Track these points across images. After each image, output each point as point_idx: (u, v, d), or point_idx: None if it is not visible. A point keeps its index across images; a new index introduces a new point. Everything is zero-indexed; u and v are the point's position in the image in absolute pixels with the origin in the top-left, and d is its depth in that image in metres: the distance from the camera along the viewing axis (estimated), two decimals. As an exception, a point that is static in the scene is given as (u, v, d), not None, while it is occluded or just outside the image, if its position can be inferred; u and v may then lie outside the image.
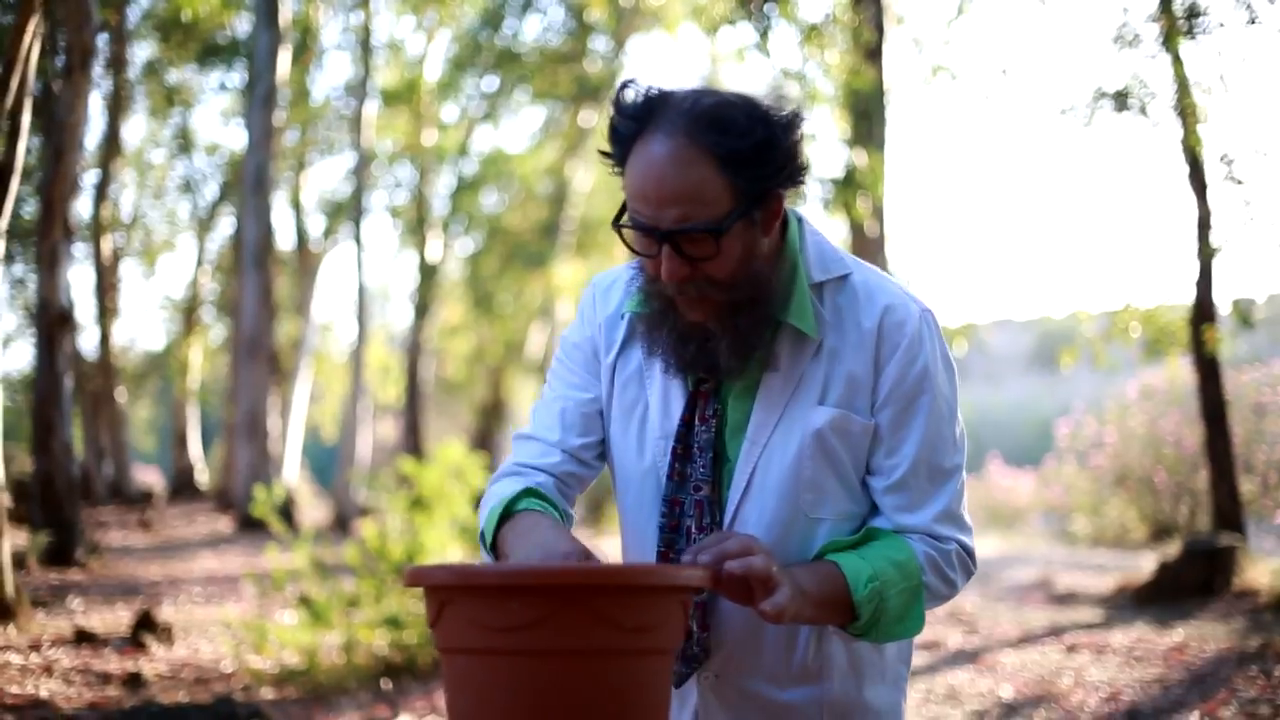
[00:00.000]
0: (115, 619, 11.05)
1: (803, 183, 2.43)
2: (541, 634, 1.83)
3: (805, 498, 2.44)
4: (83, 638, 9.76)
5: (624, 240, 2.40)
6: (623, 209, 2.39)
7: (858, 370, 2.46)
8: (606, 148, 2.42)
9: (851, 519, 2.49)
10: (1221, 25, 15.31)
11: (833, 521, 2.46)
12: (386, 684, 8.91)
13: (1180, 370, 20.29)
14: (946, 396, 2.52)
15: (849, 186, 15.05)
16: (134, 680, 8.63)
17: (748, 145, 2.30)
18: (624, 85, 2.40)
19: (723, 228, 2.30)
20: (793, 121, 2.37)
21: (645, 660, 1.92)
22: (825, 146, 17.39)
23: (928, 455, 2.47)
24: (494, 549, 2.38)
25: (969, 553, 2.49)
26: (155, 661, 9.44)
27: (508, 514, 2.39)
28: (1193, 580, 13.75)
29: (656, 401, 2.54)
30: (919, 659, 10.57)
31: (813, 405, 2.45)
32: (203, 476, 28.46)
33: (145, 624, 10.12)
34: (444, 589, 1.91)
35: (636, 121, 2.35)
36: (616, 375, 2.61)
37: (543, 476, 2.54)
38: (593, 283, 2.75)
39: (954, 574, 2.45)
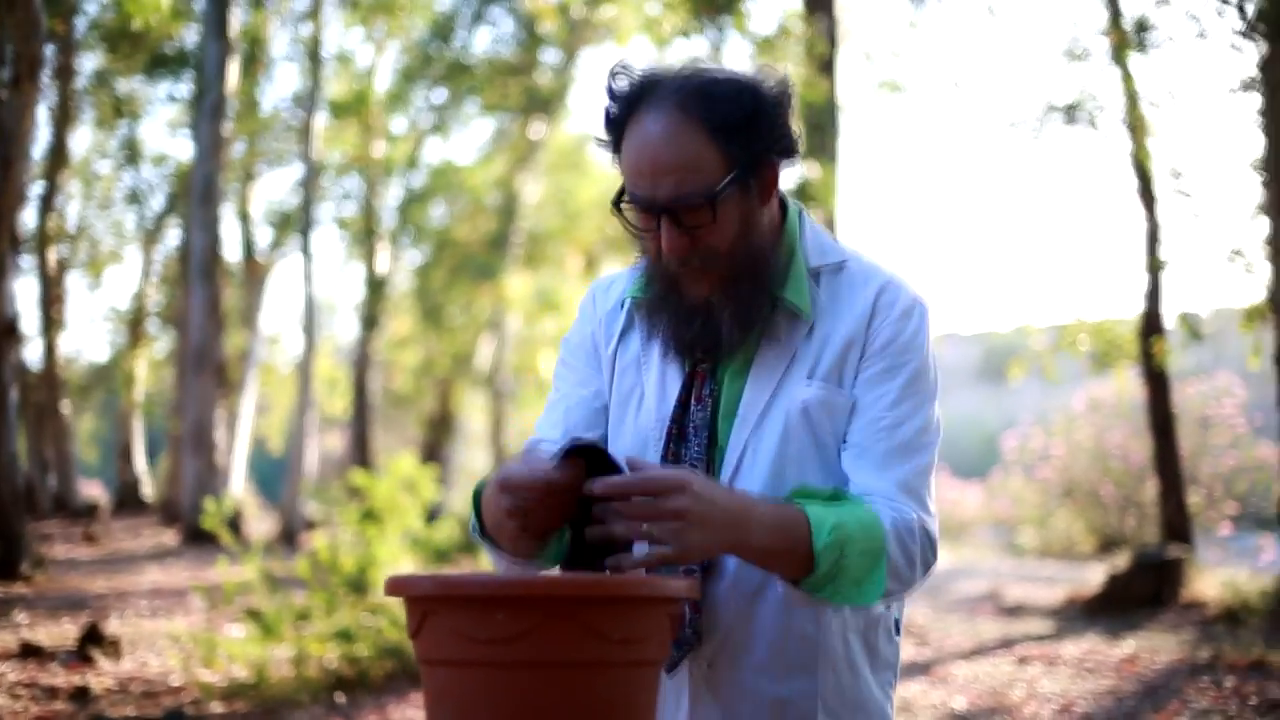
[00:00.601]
0: (61, 633, 10.93)
1: (795, 154, 2.50)
2: (527, 646, 1.79)
3: (791, 474, 2.44)
4: (29, 652, 9.66)
5: (625, 223, 2.46)
6: (621, 193, 2.44)
7: (849, 339, 2.50)
8: (602, 135, 2.49)
9: None
10: (1171, 39, 15.43)
11: None
12: (340, 697, 8.84)
13: (1127, 383, 20.41)
14: (929, 379, 2.53)
15: (801, 199, 15.07)
16: (81, 694, 8.54)
17: (737, 113, 2.38)
18: (615, 72, 2.46)
19: (717, 194, 2.35)
20: (781, 92, 2.45)
21: (633, 672, 1.89)
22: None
23: (900, 422, 2.47)
24: (481, 525, 2.39)
25: (930, 537, 2.43)
26: (103, 675, 9.34)
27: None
28: (1142, 592, 13.83)
29: (653, 386, 2.55)
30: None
31: (802, 381, 2.48)
32: (148, 489, 28.26)
33: (92, 637, 10.01)
34: (426, 599, 1.87)
35: (629, 103, 2.42)
36: (616, 363, 2.63)
37: None
38: (592, 285, 2.78)
39: (914, 548, 2.38)
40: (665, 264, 2.44)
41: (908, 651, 11.69)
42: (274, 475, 32.27)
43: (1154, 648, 11.31)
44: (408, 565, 9.99)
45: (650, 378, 2.57)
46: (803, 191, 15.11)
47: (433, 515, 12.48)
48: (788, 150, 2.49)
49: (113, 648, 10.06)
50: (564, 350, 2.75)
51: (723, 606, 2.44)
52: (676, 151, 2.35)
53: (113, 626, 11.28)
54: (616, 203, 2.44)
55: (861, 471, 2.45)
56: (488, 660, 1.81)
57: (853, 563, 2.28)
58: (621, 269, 2.75)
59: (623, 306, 2.67)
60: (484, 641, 1.80)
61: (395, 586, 1.91)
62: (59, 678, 9.10)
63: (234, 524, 18.52)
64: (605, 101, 2.47)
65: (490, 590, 1.83)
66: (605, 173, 30.17)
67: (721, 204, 2.38)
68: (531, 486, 2.14)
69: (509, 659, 1.80)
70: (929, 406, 2.53)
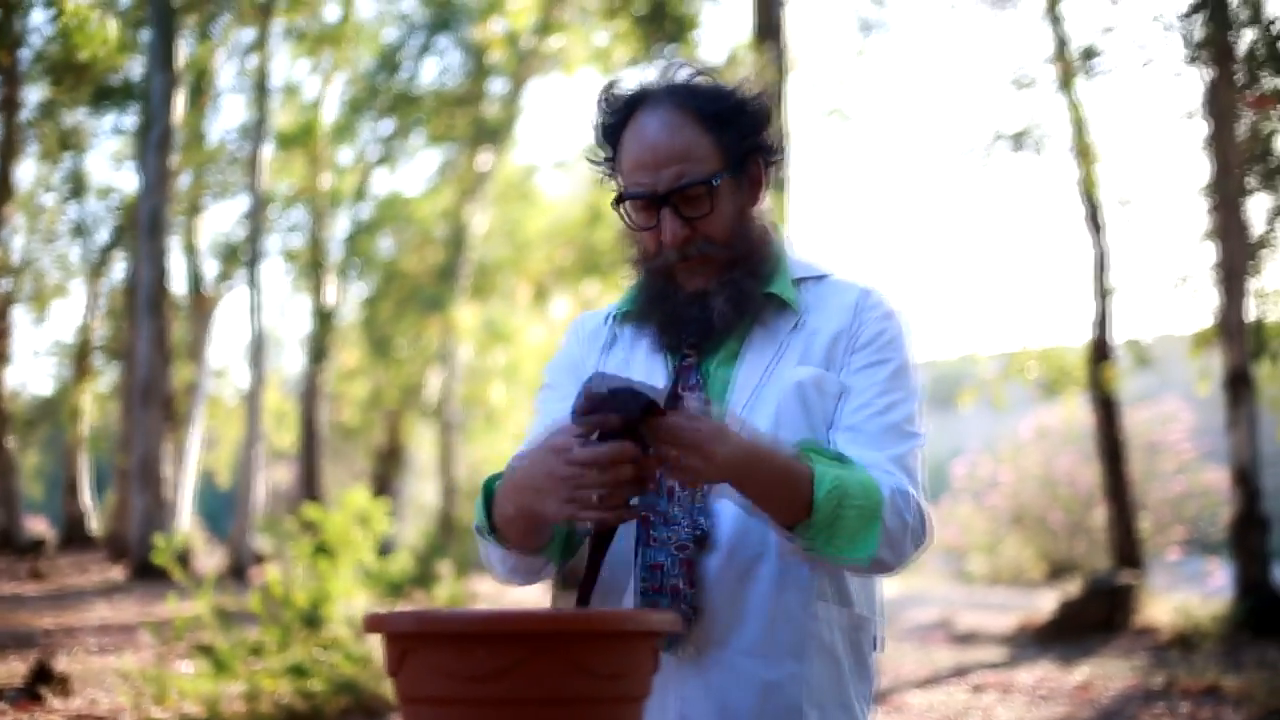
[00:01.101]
0: (8, 670, 10.78)
1: (779, 157, 2.70)
2: (511, 682, 1.75)
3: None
4: (-25, 690, 9.53)
5: (626, 221, 2.61)
6: (620, 197, 2.59)
7: (836, 333, 2.61)
8: (597, 153, 2.67)
9: None
10: (1117, 67, 15.57)
11: None
12: (295, 733, 8.77)
13: (1075, 409, 20.54)
14: (914, 377, 2.63)
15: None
16: (31, 733, 8.43)
17: (726, 106, 2.58)
18: (606, 90, 2.66)
19: (716, 180, 2.54)
20: (762, 95, 2.65)
21: (618, 708, 1.86)
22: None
23: (892, 406, 2.56)
24: (492, 524, 2.44)
25: (924, 513, 2.49)
26: (52, 714, 9.21)
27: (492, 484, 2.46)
28: (1094, 618, 13.89)
29: (640, 378, 2.54)
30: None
31: (793, 365, 2.57)
32: (94, 524, 27.99)
33: (42, 675, 9.87)
34: (406, 636, 1.84)
35: (626, 110, 2.61)
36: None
37: None
38: (573, 324, 2.87)
39: (908, 518, 2.43)
40: (665, 257, 2.57)
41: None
42: (221, 509, 31.98)
43: (1108, 674, 11.34)
44: (361, 599, 9.94)
45: (637, 373, 2.62)
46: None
47: (385, 549, 12.41)
48: (772, 151, 2.67)
49: (62, 685, 9.92)
50: (548, 375, 2.80)
51: (715, 583, 2.48)
52: (676, 141, 2.53)
53: (61, 664, 11.13)
54: (618, 203, 2.58)
55: (856, 447, 2.51)
56: (471, 698, 1.77)
57: (849, 518, 2.36)
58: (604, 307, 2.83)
59: (608, 322, 2.77)
60: (466, 678, 1.77)
61: (375, 623, 1.88)
62: (8, 716, 8.98)
63: (183, 559, 18.37)
64: (599, 118, 2.65)
65: (472, 626, 1.80)
66: (554, 203, 30.19)
67: (718, 194, 2.55)
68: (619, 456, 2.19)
69: (492, 696, 1.76)
70: (916, 400, 2.61)
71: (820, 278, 2.71)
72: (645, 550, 2.52)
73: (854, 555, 2.36)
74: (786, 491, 2.33)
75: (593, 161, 2.67)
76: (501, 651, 1.76)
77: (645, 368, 2.64)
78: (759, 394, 2.55)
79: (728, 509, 2.49)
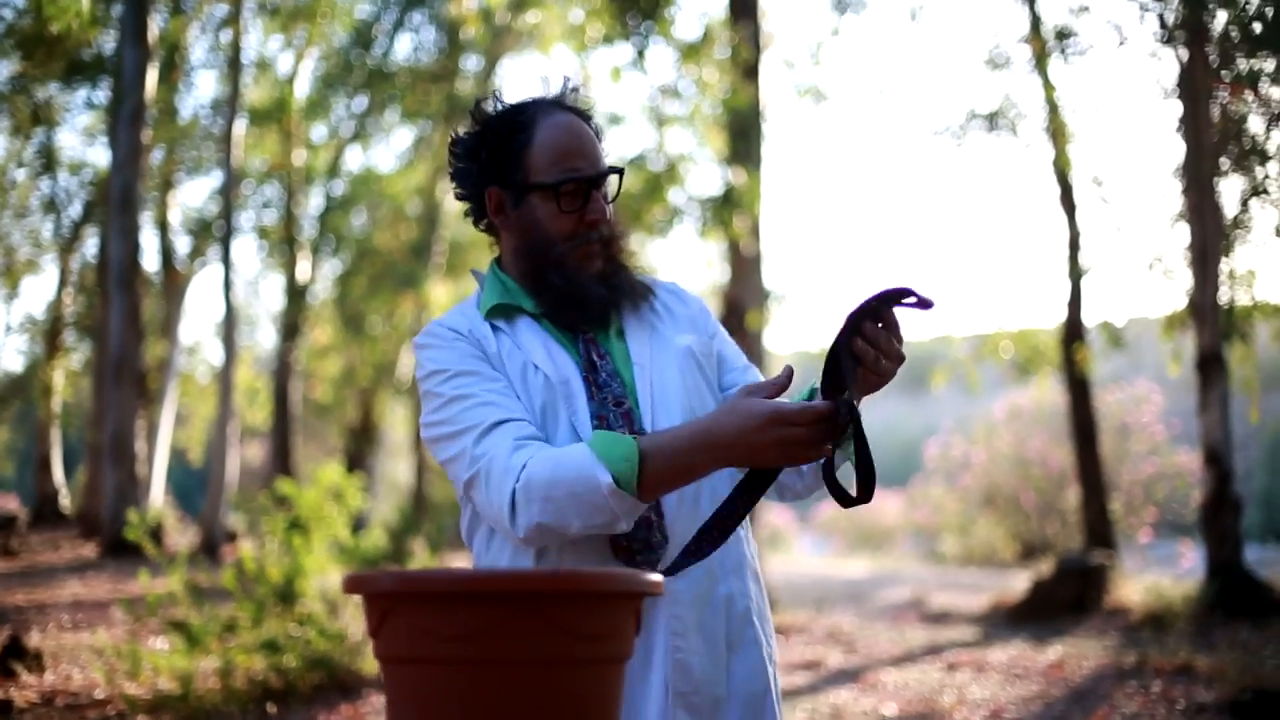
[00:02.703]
0: (-20, 646, 10.76)
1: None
2: (491, 642, 1.74)
3: (696, 407, 2.84)
4: (-54, 666, 9.50)
5: (558, 205, 2.83)
6: (552, 183, 2.82)
7: (690, 316, 3.04)
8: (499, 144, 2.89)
9: None
10: (1092, 47, 15.57)
11: None
12: (273, 708, 8.75)
13: (1047, 390, 20.59)
14: None
15: (726, 205, 15.07)
16: (4, 708, 8.40)
17: (594, 119, 2.96)
18: (482, 101, 2.96)
19: (621, 169, 2.91)
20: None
21: (600, 669, 1.84)
22: (703, 165, 17.40)
23: (747, 365, 3.08)
24: (641, 480, 2.53)
25: None
26: (25, 689, 9.19)
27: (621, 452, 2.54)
28: (1066, 598, 13.93)
29: (541, 357, 2.81)
30: (800, 679, 10.58)
31: (674, 335, 2.94)
32: (66, 501, 27.90)
33: (14, 651, 9.85)
34: (386, 595, 1.82)
35: (529, 109, 2.89)
36: (503, 360, 2.82)
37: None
38: (435, 331, 2.91)
39: None
40: (578, 240, 2.83)
41: (836, 658, 11.70)
42: (193, 487, 31.92)
43: (1080, 653, 11.38)
44: (335, 575, 9.90)
45: (536, 353, 2.82)
46: (728, 197, 15.11)
47: (358, 525, 12.38)
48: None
49: (35, 661, 9.89)
50: (459, 364, 2.82)
51: (674, 512, 2.75)
52: (588, 136, 2.87)
53: (34, 640, 11.10)
54: (556, 185, 2.81)
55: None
56: (450, 658, 1.76)
57: None
58: (449, 312, 2.98)
59: (480, 320, 2.91)
60: (446, 638, 1.75)
61: (354, 584, 1.86)
62: (-20, 691, 8.96)
63: (155, 536, 18.32)
64: (504, 116, 2.90)
65: (453, 585, 1.78)
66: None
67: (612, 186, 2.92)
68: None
69: (472, 656, 1.75)
70: None
71: (655, 280, 3.10)
72: (622, 569, 2.67)
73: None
74: None
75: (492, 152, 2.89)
76: (482, 611, 1.74)
77: (542, 345, 2.84)
78: (656, 361, 2.86)
79: None
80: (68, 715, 8.45)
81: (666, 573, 2.53)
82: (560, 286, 2.82)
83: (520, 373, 2.78)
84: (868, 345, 2.50)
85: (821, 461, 2.56)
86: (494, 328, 2.86)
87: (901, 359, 2.58)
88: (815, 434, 2.44)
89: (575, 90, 2.96)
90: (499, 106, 2.92)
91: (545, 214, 2.82)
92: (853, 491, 2.50)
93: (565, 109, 2.88)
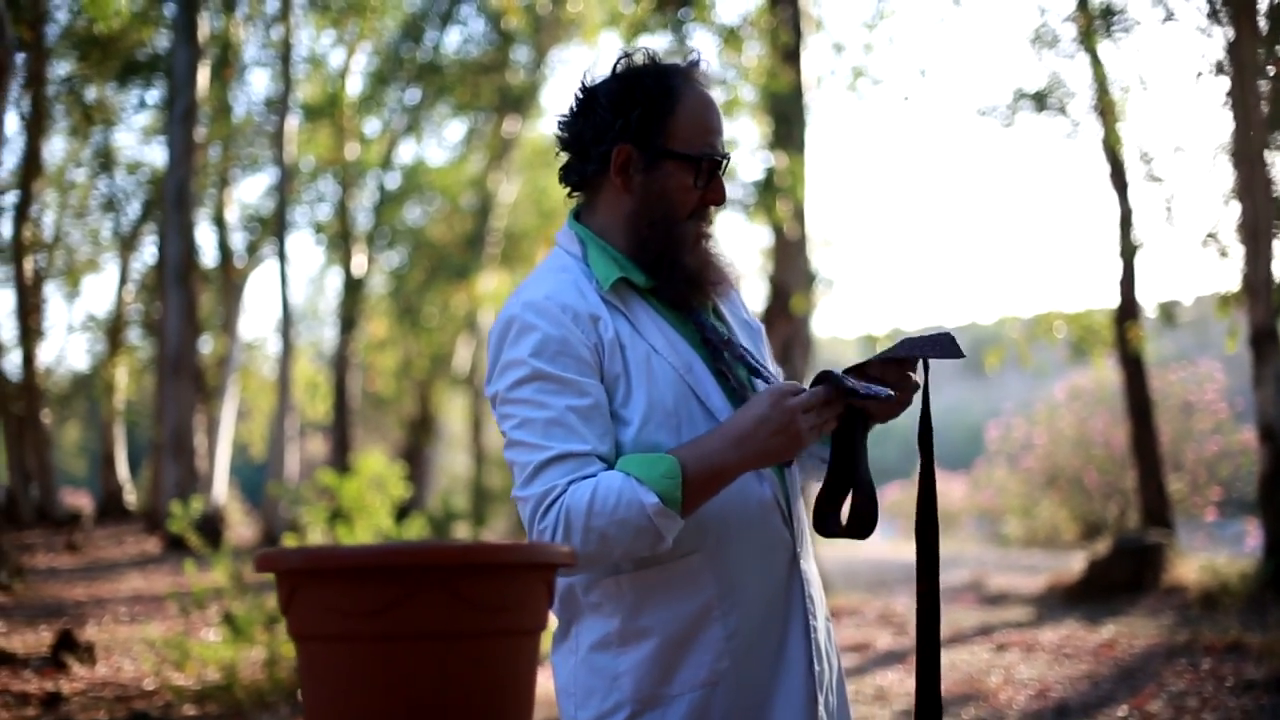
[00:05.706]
0: (37, 640, 10.88)
1: None
2: (396, 617, 1.73)
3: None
4: (2, 659, 9.62)
5: (694, 179, 2.76)
6: (694, 156, 2.75)
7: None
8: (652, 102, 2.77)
9: None
10: (1139, 24, 15.41)
11: None
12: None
13: (1106, 371, 20.41)
14: None
15: (769, 189, 15.02)
16: (53, 700, 8.50)
17: None
18: (631, 54, 2.86)
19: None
20: None
21: (507, 641, 1.83)
22: (745, 149, 17.32)
23: None
24: (684, 496, 2.54)
25: None
26: (75, 681, 9.30)
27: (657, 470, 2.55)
28: (1122, 577, 13.81)
29: (662, 343, 2.75)
30: (848, 660, 10.54)
31: (737, 312, 3.04)
32: (131, 497, 28.13)
33: (66, 644, 9.97)
34: (294, 573, 1.81)
35: (676, 75, 2.80)
36: (624, 347, 2.71)
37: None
38: (548, 307, 2.68)
39: None
40: (700, 218, 2.80)
41: (885, 640, 11.66)
42: (259, 480, 32.17)
43: (1132, 632, 11.30)
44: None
45: (656, 339, 2.75)
46: (770, 182, 15.05)
47: (403, 512, 12.41)
48: None
49: (87, 654, 10.01)
50: (550, 365, 2.63)
51: (791, 498, 2.83)
52: (721, 116, 2.86)
53: (90, 633, 11.23)
54: (698, 159, 2.74)
55: None
56: (357, 633, 1.75)
57: None
58: (541, 289, 2.71)
59: (600, 297, 2.75)
60: (353, 614, 1.75)
61: (265, 562, 1.85)
62: (31, 684, 9.06)
63: (215, 528, 18.48)
64: (656, 75, 2.79)
65: (355, 561, 1.77)
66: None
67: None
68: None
69: (379, 631, 1.74)
70: None
71: None
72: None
73: None
74: None
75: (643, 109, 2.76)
76: (387, 586, 1.74)
77: (662, 333, 2.76)
78: (741, 335, 2.92)
79: None
80: (114, 706, 8.53)
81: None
82: (690, 267, 2.78)
83: (644, 360, 2.69)
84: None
85: (820, 462, 2.67)
86: (608, 304, 2.73)
87: (904, 407, 2.75)
88: (819, 396, 2.54)
89: (704, 66, 2.87)
90: (647, 64, 2.82)
91: (677, 185, 2.75)
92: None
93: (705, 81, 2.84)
